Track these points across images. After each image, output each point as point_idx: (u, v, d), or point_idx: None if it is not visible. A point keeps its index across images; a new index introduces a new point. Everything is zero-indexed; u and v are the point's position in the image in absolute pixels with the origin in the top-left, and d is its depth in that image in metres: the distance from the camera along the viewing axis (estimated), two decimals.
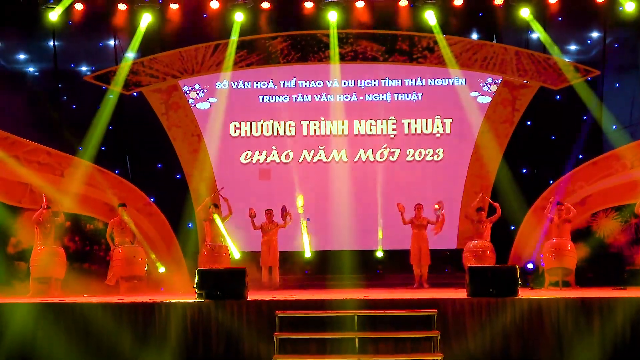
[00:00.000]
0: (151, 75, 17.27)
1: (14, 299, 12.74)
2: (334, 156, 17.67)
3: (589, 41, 18.17)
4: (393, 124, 17.70)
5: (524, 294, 11.67)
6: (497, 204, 15.47)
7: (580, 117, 17.49)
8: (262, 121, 17.80)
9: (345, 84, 17.66)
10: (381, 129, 17.75)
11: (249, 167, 17.78)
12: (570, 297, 11.21)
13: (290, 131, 17.78)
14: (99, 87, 17.22)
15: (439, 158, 17.68)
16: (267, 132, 17.76)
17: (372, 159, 17.70)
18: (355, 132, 17.74)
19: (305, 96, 17.80)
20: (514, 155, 17.48)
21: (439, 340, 10.67)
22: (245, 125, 17.77)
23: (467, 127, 17.68)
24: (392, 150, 17.68)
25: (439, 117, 17.71)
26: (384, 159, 17.69)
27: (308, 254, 17.29)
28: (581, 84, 16.99)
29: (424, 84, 17.73)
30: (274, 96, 17.80)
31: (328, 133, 17.74)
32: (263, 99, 17.80)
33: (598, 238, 16.15)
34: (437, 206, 15.78)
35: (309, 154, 17.72)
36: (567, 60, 17.36)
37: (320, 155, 17.72)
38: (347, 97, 17.70)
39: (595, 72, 17.09)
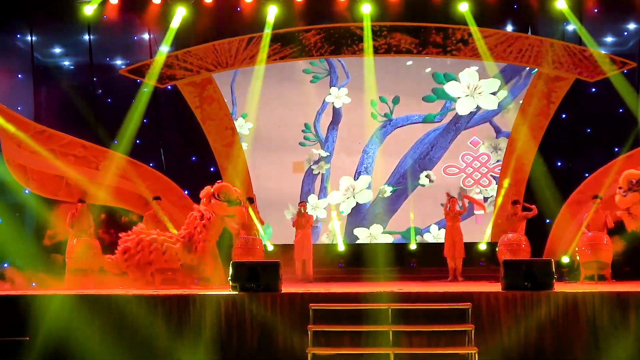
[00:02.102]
0: (185, 68, 17.32)
1: (50, 290, 12.85)
2: (369, 147, 17.68)
3: (626, 33, 17.98)
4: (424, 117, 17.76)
5: (559, 287, 11.60)
6: (533, 206, 15.45)
7: (616, 109, 17.31)
8: (296, 113, 17.84)
9: (380, 76, 17.64)
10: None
11: (283, 160, 17.81)
12: (606, 291, 11.12)
13: (325, 122, 17.82)
14: (134, 80, 17.30)
15: (475, 150, 17.64)
16: (301, 125, 17.78)
17: (405, 150, 17.70)
18: (390, 124, 17.74)
19: (339, 86, 17.83)
20: (549, 148, 17.37)
21: (474, 333, 10.63)
22: (279, 119, 17.82)
23: (502, 119, 17.63)
24: (425, 141, 17.66)
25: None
26: (418, 150, 17.69)
27: (341, 247, 17.37)
28: (617, 76, 16.79)
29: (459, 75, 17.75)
30: (308, 87, 17.84)
31: (363, 125, 17.74)
32: (296, 90, 17.83)
33: (634, 231, 15.98)
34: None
35: (344, 147, 17.75)
36: (603, 52, 17.19)
37: (355, 147, 17.76)
38: (381, 90, 17.69)
39: (631, 64, 16.90)
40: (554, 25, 17.69)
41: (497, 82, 17.53)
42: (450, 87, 17.57)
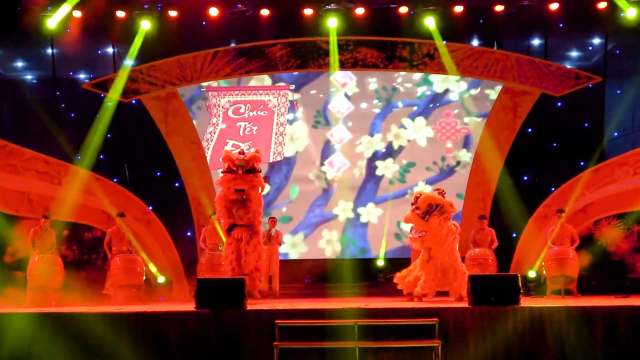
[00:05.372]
0: (150, 82, 17.24)
1: (11, 308, 12.69)
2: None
3: (590, 47, 18.17)
4: (395, 134, 18.09)
5: (526, 302, 11.60)
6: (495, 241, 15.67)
7: (581, 123, 17.47)
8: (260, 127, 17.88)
9: (346, 94, 18.12)
10: (381, 136, 18.09)
11: None
12: (573, 306, 11.14)
13: (292, 140, 17.95)
14: (98, 94, 17.19)
15: (440, 166, 17.80)
16: (268, 139, 17.79)
17: (373, 167, 18.00)
18: (357, 141, 18.07)
19: (307, 103, 18.03)
20: (515, 162, 17.49)
21: (440, 349, 10.61)
22: (245, 135, 17.82)
23: (467, 134, 17.78)
24: (393, 158, 18.00)
25: (440, 124, 17.91)
26: (385, 167, 17.94)
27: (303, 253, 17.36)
28: (583, 90, 16.94)
29: (425, 89, 18.00)
30: (275, 103, 17.88)
31: (331, 141, 18.05)
32: (263, 106, 17.84)
33: (600, 246, 16.10)
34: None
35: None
36: (569, 66, 17.33)
37: (323, 164, 18.02)
38: (348, 107, 18.10)
39: (596, 79, 17.06)
40: (520, 40, 17.83)
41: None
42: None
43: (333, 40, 17.09)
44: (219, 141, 17.88)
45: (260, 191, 13.62)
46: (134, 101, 17.44)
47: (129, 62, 17.29)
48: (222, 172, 13.51)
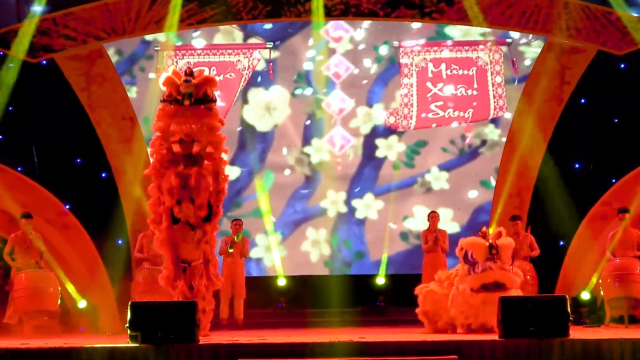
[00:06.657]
0: (66, 36, 17.20)
1: None
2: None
3: None
4: (402, 105, 18.25)
5: (577, 333, 11.68)
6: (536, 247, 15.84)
7: None
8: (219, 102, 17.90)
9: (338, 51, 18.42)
10: (383, 107, 18.39)
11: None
12: (639, 338, 11.23)
13: (267, 110, 18.27)
14: None
15: (459, 146, 17.98)
16: (228, 117, 17.89)
17: (372, 147, 18.32)
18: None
19: (286, 64, 18.35)
20: (563, 144, 17.54)
21: None
22: None
23: (498, 106, 17.85)
24: (398, 135, 18.27)
25: (461, 91, 18.04)
26: (388, 148, 18.23)
27: (282, 281, 17.40)
28: None
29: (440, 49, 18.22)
30: (245, 65, 18.11)
31: (312, 118, 18.35)
32: (231, 68, 18.10)
33: None
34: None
35: (290, 143, 18.40)
36: (635, 14, 17.38)
37: (302, 147, 18.36)
38: (347, 69, 18.43)
39: None
40: None
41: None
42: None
43: None
44: None
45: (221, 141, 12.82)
46: (44, 61, 17.40)
47: (37, 9, 17.25)
48: (160, 101, 12.76)
